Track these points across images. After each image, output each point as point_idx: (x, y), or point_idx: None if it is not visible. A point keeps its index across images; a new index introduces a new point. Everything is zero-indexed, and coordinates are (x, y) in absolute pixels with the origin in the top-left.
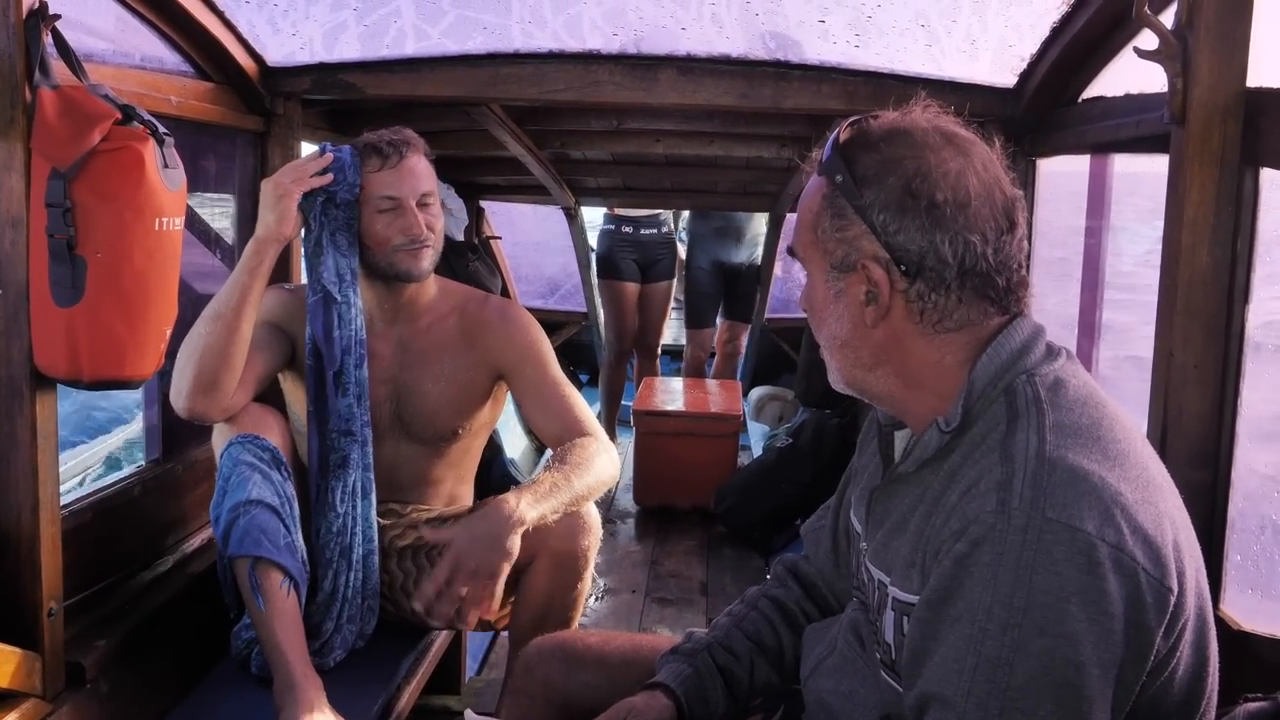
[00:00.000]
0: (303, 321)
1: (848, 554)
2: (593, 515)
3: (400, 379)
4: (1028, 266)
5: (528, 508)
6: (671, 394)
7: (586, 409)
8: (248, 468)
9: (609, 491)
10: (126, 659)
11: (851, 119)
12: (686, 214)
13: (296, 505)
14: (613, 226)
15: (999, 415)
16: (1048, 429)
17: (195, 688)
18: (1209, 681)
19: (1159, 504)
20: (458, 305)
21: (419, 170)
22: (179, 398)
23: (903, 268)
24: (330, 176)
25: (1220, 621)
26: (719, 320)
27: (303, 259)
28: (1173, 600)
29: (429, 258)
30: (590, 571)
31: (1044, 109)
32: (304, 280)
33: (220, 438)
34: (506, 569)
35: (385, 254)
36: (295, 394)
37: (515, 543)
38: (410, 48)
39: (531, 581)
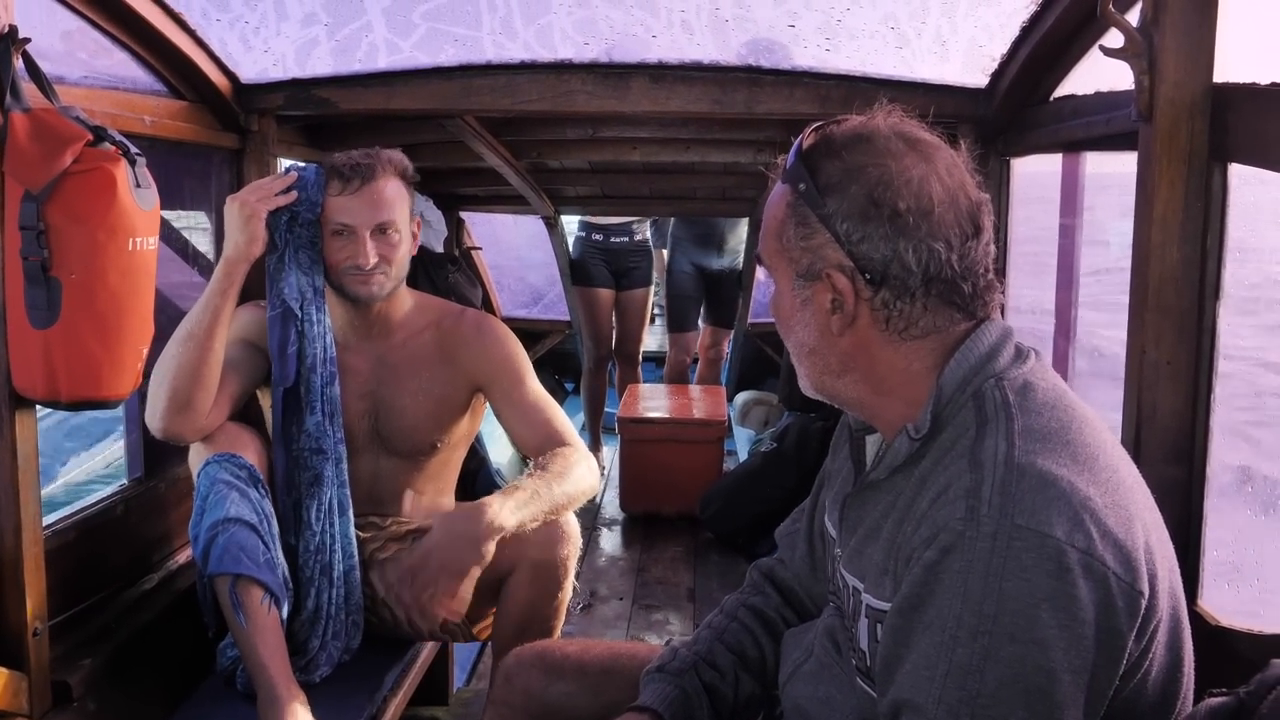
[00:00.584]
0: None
1: (823, 558)
2: (572, 524)
3: (378, 394)
4: (1002, 267)
5: (509, 514)
6: (656, 401)
7: (565, 420)
8: (225, 486)
9: (591, 501)
10: (113, 677)
11: (815, 125)
12: (672, 220)
13: (275, 523)
14: (584, 234)
15: (968, 421)
16: (1016, 434)
17: (181, 705)
18: (1184, 681)
19: (1129, 507)
20: (434, 320)
21: (381, 197)
22: (154, 419)
23: (867, 276)
24: (294, 195)
25: (1197, 617)
26: (701, 325)
27: (266, 276)
28: (1144, 603)
29: (380, 284)
30: (571, 580)
31: (1016, 108)
32: None
33: (197, 457)
34: (477, 573)
35: (337, 276)
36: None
37: (490, 548)
38: (383, 61)
39: (512, 591)
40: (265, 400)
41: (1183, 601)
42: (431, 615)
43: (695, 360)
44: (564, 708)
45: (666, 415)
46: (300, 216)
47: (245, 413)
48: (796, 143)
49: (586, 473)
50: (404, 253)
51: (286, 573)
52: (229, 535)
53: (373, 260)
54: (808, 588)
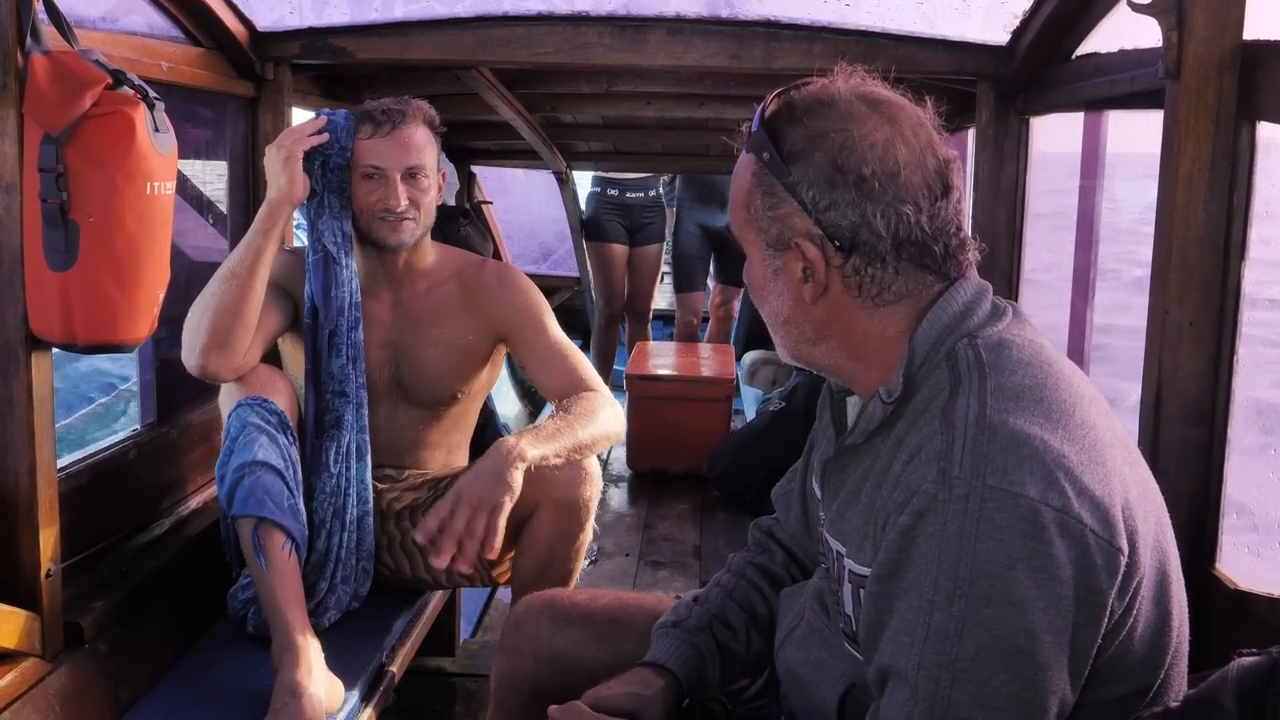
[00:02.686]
0: (302, 283)
1: (815, 519)
2: (594, 466)
3: (399, 343)
4: (1020, 227)
5: (529, 446)
6: (664, 358)
7: (589, 366)
8: (255, 430)
9: (601, 455)
10: (124, 620)
11: (778, 90)
12: (679, 178)
13: (300, 470)
14: (599, 189)
15: (941, 381)
16: (989, 393)
17: (192, 648)
18: (1172, 636)
19: (1106, 463)
20: (456, 270)
21: (412, 142)
22: (191, 355)
23: (836, 243)
24: (326, 137)
25: (1216, 580)
26: (711, 284)
27: (305, 220)
28: (1123, 561)
29: (409, 230)
30: (591, 522)
31: (1038, 66)
32: (298, 243)
33: (228, 397)
34: (508, 504)
35: (367, 221)
36: (294, 356)
37: (517, 478)
38: (399, 11)
39: (534, 531)
40: (284, 345)
41: (1172, 557)
42: (469, 555)
43: (706, 319)
44: (571, 655)
45: (675, 373)
46: (331, 161)
47: (267, 357)
48: (759, 110)
49: (610, 417)
50: (432, 199)
51: (305, 518)
52: (255, 478)
53: (404, 203)
54: (804, 547)
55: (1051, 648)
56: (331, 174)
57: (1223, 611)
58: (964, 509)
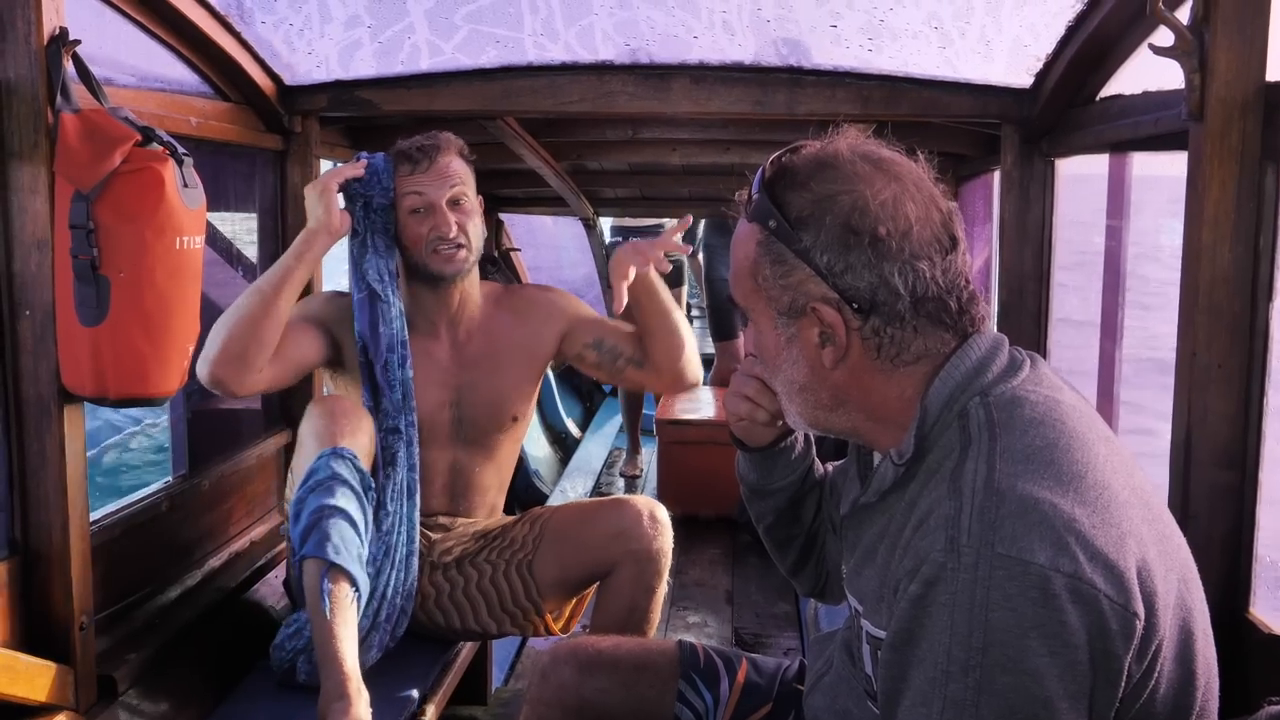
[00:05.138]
0: (348, 323)
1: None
2: (666, 518)
3: (460, 382)
4: (1047, 268)
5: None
6: (693, 403)
7: None
8: (341, 483)
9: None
10: (157, 672)
11: (772, 156)
12: (703, 225)
13: (371, 530)
14: (620, 238)
15: (953, 442)
16: (997, 456)
17: (225, 700)
18: (1197, 695)
19: (1121, 524)
20: (499, 296)
21: (450, 171)
22: (204, 364)
23: (855, 305)
24: (362, 168)
25: (1250, 625)
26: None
27: (348, 261)
28: (1139, 625)
29: (464, 258)
30: (667, 574)
31: (1061, 109)
32: (328, 288)
33: (317, 423)
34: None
35: (420, 254)
36: (352, 396)
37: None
38: (425, 63)
39: (614, 586)
40: (337, 387)
41: (1198, 613)
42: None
43: None
44: (598, 703)
45: (704, 417)
46: (374, 202)
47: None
48: (757, 177)
49: (693, 346)
50: (478, 225)
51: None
52: (333, 523)
53: (454, 229)
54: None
55: (1069, 714)
56: (375, 215)
57: (1257, 657)
58: (973, 578)
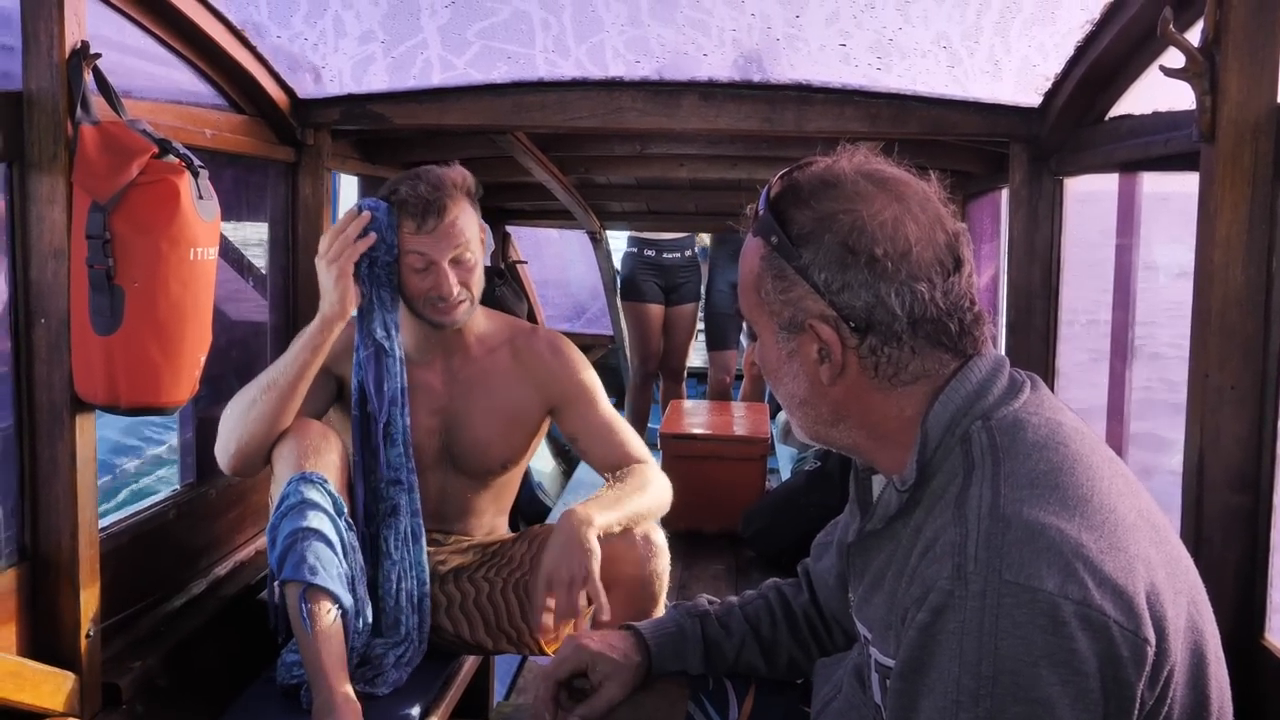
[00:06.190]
0: (347, 360)
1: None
2: (661, 539)
3: (450, 410)
4: (1055, 287)
5: (594, 512)
6: (698, 417)
7: (638, 439)
8: (312, 506)
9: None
10: (161, 681)
11: (781, 172)
12: (709, 237)
13: (358, 553)
14: (635, 249)
15: (956, 467)
16: (1001, 481)
17: (228, 709)
18: (1212, 719)
19: (1129, 548)
20: (507, 337)
21: (455, 230)
22: (224, 456)
23: (851, 325)
24: (373, 237)
25: (1265, 651)
26: (744, 342)
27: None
28: (1150, 651)
29: (463, 310)
30: (664, 597)
31: (1070, 128)
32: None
33: (284, 451)
34: (596, 565)
35: (420, 306)
36: (344, 434)
37: (593, 540)
38: (436, 78)
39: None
40: (333, 423)
41: (1209, 636)
42: (581, 628)
43: (739, 378)
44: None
45: (709, 432)
46: (379, 260)
47: None
48: (764, 193)
49: (663, 488)
50: (479, 272)
51: (366, 597)
52: (307, 544)
53: (455, 289)
54: (829, 597)
55: None
56: (379, 270)
57: (1273, 684)
58: (981, 605)
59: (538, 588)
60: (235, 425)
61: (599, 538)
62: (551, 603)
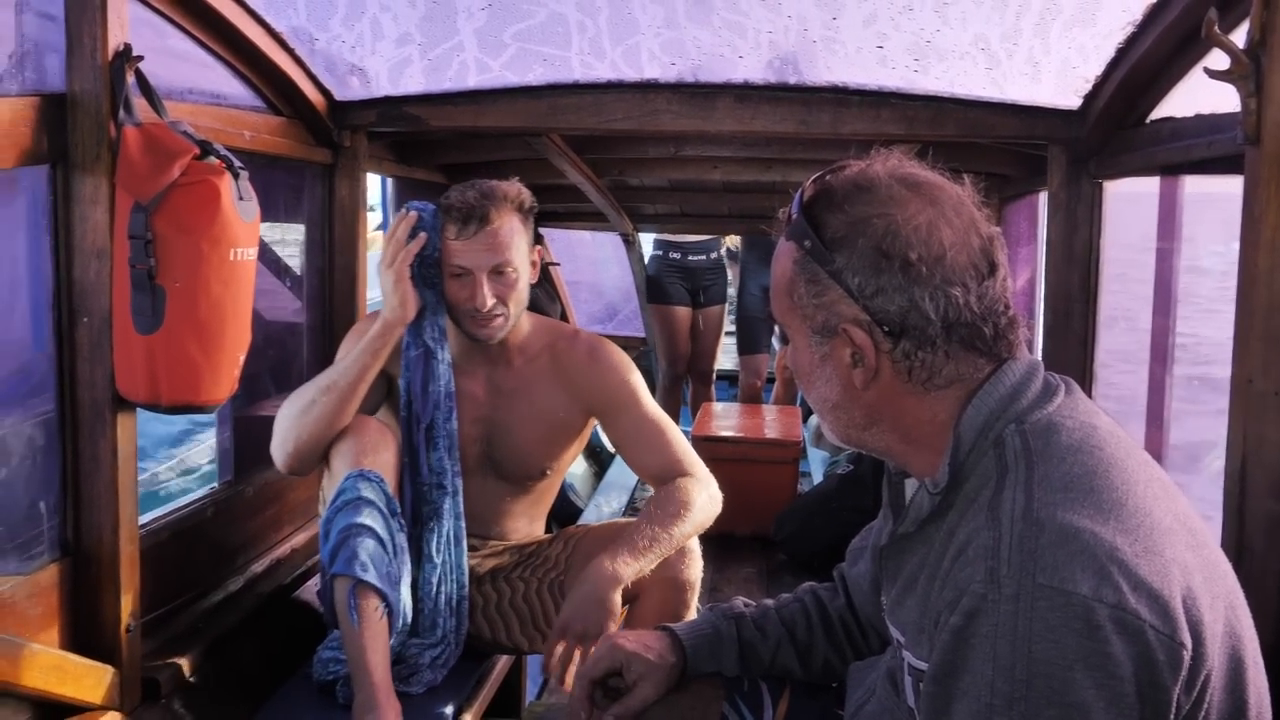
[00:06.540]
0: (397, 362)
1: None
2: (696, 545)
3: (492, 419)
4: (1094, 292)
5: (623, 566)
6: (729, 420)
7: (684, 444)
8: (367, 503)
9: None
10: (199, 676)
11: (815, 176)
12: (740, 240)
13: (406, 553)
14: (661, 252)
15: (989, 470)
16: (1035, 484)
17: (265, 704)
18: None
19: (1165, 552)
20: (548, 343)
21: (497, 240)
22: (281, 455)
23: (885, 329)
24: (424, 237)
25: None
26: (776, 345)
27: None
28: (1187, 655)
29: (499, 325)
30: (696, 601)
31: (1110, 131)
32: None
33: (345, 445)
34: (612, 626)
35: (457, 315)
36: (391, 420)
37: (616, 600)
38: (472, 80)
39: (640, 613)
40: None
41: (1247, 640)
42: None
43: (771, 381)
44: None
45: (740, 434)
46: (426, 258)
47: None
48: (797, 196)
49: (707, 502)
50: (523, 288)
51: (409, 600)
52: (360, 541)
53: (489, 303)
54: (864, 603)
55: None
56: (427, 269)
57: None
58: (1015, 609)
59: (553, 632)
60: (293, 425)
61: (629, 585)
62: (560, 649)
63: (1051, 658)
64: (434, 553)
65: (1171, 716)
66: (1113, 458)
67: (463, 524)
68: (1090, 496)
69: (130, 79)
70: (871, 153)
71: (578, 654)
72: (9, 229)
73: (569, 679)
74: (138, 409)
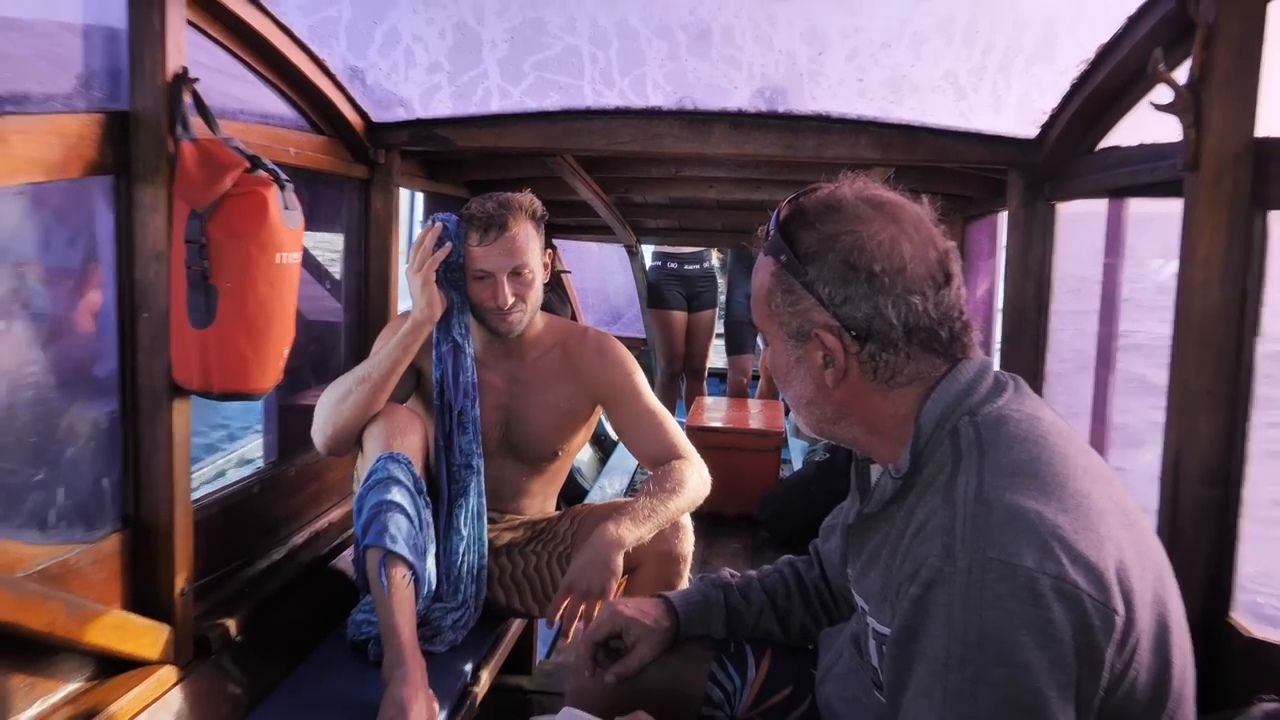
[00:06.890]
0: (428, 355)
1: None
2: (688, 521)
3: (511, 407)
4: (1045, 302)
5: (626, 532)
6: (719, 412)
7: (679, 432)
8: (396, 482)
9: None
10: (245, 635)
11: (790, 197)
12: (730, 251)
13: (431, 529)
14: (660, 262)
15: (945, 457)
16: (986, 470)
17: (303, 661)
18: (1173, 684)
19: (1100, 529)
20: (560, 340)
21: (514, 244)
22: (320, 438)
23: (853, 333)
24: (449, 246)
25: (1231, 629)
26: (760, 346)
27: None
28: (1119, 620)
29: (518, 319)
30: (688, 573)
31: (1064, 157)
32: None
33: (377, 429)
34: (614, 585)
35: (481, 313)
36: (417, 409)
37: (618, 562)
38: (495, 105)
39: (638, 581)
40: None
41: (1173, 608)
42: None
43: (756, 378)
44: (639, 678)
45: (729, 425)
46: (450, 264)
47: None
48: (774, 216)
49: (699, 482)
50: (537, 287)
51: (433, 569)
52: (389, 515)
53: (510, 301)
54: (835, 576)
55: (1058, 701)
56: (452, 273)
57: (1237, 657)
58: (967, 580)
59: (560, 591)
60: (331, 412)
61: (630, 548)
62: (566, 604)
63: (1000, 623)
64: (461, 526)
65: (1105, 674)
66: (1054, 446)
67: (484, 500)
68: (1035, 480)
69: (187, 99)
70: (840, 176)
71: (582, 609)
72: (78, 234)
73: (572, 632)
74: (192, 396)
